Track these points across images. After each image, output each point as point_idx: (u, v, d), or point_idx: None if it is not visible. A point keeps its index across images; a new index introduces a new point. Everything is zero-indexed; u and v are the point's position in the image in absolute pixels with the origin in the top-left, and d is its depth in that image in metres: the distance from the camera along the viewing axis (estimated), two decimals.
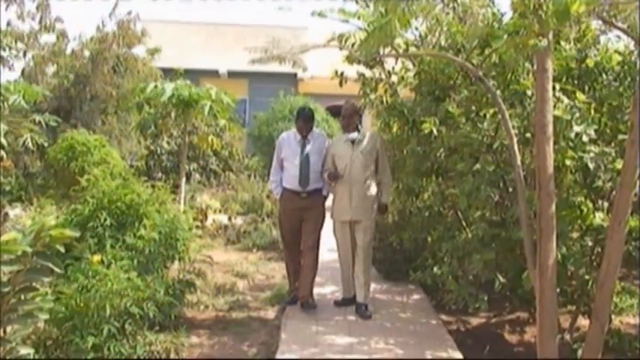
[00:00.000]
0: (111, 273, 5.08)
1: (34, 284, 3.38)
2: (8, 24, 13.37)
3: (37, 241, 3.24)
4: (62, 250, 3.40)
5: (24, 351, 3.46)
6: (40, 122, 10.54)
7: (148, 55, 15.23)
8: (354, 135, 6.47)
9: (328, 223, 6.70)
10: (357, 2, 5.51)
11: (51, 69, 14.02)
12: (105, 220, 5.81)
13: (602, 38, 5.74)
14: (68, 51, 13.99)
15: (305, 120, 6.64)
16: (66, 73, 13.66)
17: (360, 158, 6.38)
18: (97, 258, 5.24)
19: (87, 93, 13.38)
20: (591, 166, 4.81)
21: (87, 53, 13.95)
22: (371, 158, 6.45)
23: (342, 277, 6.76)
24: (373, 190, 6.49)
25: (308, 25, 21.50)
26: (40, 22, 13.61)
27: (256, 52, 5.76)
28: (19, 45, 13.45)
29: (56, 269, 3.34)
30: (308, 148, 6.60)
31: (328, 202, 6.72)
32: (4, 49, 12.99)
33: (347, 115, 6.51)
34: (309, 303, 6.51)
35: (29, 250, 3.18)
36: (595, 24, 5.51)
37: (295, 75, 22.11)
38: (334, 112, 18.84)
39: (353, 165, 6.38)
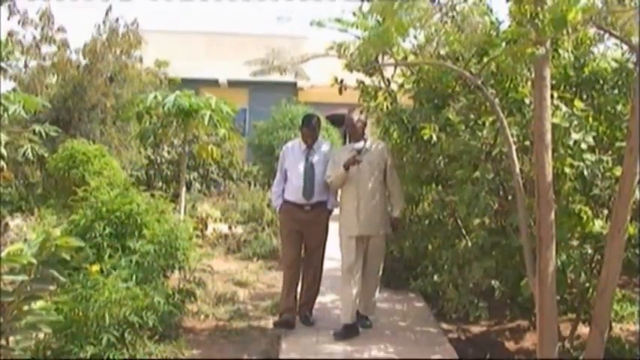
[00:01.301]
0: (110, 282, 5.08)
1: (38, 293, 3.40)
2: (10, 34, 13.39)
3: (42, 251, 3.26)
4: (68, 258, 3.42)
5: None
6: (39, 132, 10.55)
7: (155, 66, 15.27)
8: (360, 144, 6.12)
9: (331, 234, 6.49)
10: (354, 14, 5.51)
11: (50, 79, 14.02)
12: (104, 229, 5.81)
13: (601, 46, 5.75)
14: (66, 60, 14.00)
15: (310, 127, 6.33)
16: (64, 84, 13.67)
17: (368, 169, 6.00)
18: (95, 268, 5.24)
19: (85, 103, 13.39)
20: (587, 174, 4.82)
21: (83, 62, 13.96)
22: (379, 168, 6.07)
23: (342, 300, 6.21)
24: (383, 202, 6.13)
25: (308, 34, 21.51)
26: (42, 30, 13.63)
27: (256, 63, 5.78)
28: (18, 55, 13.47)
29: (61, 278, 3.36)
30: (313, 157, 6.28)
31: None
32: (5, 59, 13.03)
33: (350, 125, 6.16)
34: (307, 319, 6.37)
35: (34, 260, 3.20)
36: (593, 31, 5.52)
37: (295, 84, 22.11)
38: (334, 120, 18.87)
39: (360, 176, 5.98)
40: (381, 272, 6.36)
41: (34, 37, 13.74)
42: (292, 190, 6.29)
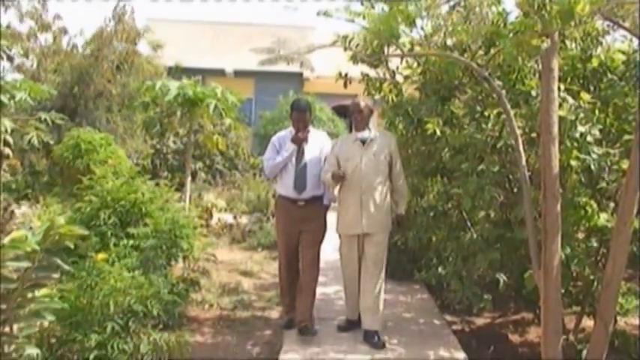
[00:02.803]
0: (115, 271, 5.09)
1: (42, 281, 3.41)
2: (8, 26, 13.41)
3: (46, 238, 3.27)
4: (72, 246, 3.42)
5: (30, 350, 3.48)
6: (45, 120, 10.56)
7: (151, 49, 15.22)
8: (365, 134, 5.71)
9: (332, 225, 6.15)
10: (362, 3, 5.49)
11: (54, 64, 14.02)
12: (109, 218, 5.82)
13: (608, 38, 5.71)
14: (69, 47, 14.02)
15: (300, 111, 5.91)
16: (69, 71, 13.67)
17: (373, 161, 5.62)
18: (102, 256, 5.25)
19: (91, 91, 13.39)
20: (593, 167, 4.80)
21: (88, 50, 13.97)
22: (384, 161, 5.67)
23: (346, 297, 6.00)
24: (388, 198, 5.73)
25: (315, 25, 21.52)
26: (37, 22, 13.64)
27: (263, 52, 5.75)
28: (19, 48, 13.51)
29: (64, 266, 3.37)
30: (305, 147, 5.86)
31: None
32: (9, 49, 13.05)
33: (356, 111, 5.72)
34: (307, 328, 5.75)
35: (38, 248, 3.21)
36: (600, 23, 5.48)
37: (301, 74, 22.12)
38: (340, 111, 18.85)
39: (364, 169, 5.60)
40: (383, 273, 5.82)
41: (31, 27, 13.75)
42: (284, 183, 5.92)
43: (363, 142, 5.71)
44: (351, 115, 5.84)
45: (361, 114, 5.72)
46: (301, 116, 5.91)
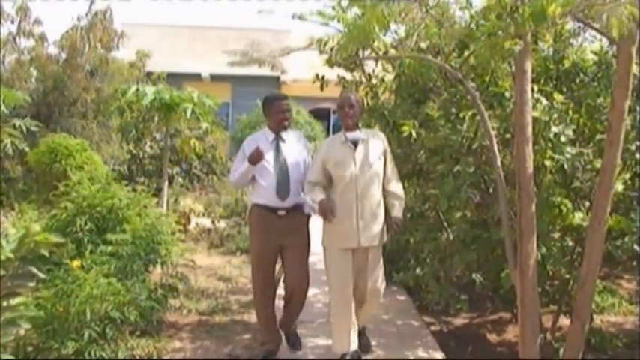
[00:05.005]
0: (91, 277, 5.05)
1: (18, 290, 3.38)
2: None
3: (21, 246, 3.24)
4: (47, 254, 3.40)
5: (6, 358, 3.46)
6: (20, 127, 10.47)
7: (137, 58, 15.14)
8: (356, 135, 5.03)
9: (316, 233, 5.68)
10: (333, 8, 5.49)
11: (30, 74, 13.88)
12: (85, 224, 5.78)
13: (579, 38, 5.78)
14: (47, 55, 13.87)
15: (279, 97, 5.40)
16: (44, 78, 13.54)
17: (369, 165, 4.97)
18: (76, 263, 5.21)
19: (66, 98, 13.27)
20: (567, 167, 4.85)
21: (63, 57, 13.83)
22: (380, 164, 5.04)
23: (336, 330, 5.11)
24: (382, 205, 5.12)
25: (290, 28, 21.52)
26: (19, 25, 13.49)
27: (236, 55, 5.72)
28: None
29: (40, 274, 3.34)
30: (284, 149, 5.26)
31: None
32: None
33: (347, 105, 5.01)
34: (295, 343, 5.62)
35: (12, 256, 3.18)
36: (572, 24, 5.54)
37: (278, 78, 22.10)
38: (317, 114, 18.86)
39: (360, 174, 4.94)
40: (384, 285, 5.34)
41: (10, 32, 13.60)
42: (263, 191, 5.20)
43: (355, 143, 5.02)
44: (340, 112, 5.10)
45: (353, 108, 5.02)
46: (283, 103, 5.34)
